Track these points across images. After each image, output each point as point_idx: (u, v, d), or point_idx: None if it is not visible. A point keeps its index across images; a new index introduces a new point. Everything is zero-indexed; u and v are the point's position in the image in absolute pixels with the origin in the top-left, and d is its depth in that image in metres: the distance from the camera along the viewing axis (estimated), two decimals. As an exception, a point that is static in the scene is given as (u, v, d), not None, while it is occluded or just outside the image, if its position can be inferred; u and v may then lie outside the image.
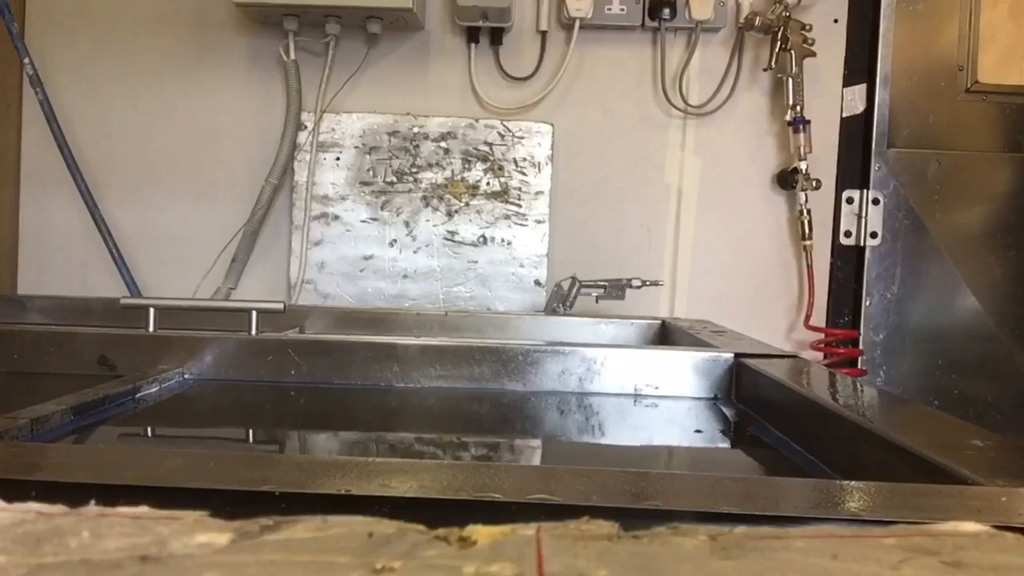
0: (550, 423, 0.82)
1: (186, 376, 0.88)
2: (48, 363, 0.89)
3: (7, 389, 0.86)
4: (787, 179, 1.60)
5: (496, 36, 1.61)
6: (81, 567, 0.29)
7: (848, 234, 1.63)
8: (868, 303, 1.62)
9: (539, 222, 1.58)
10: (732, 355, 0.88)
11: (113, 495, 0.36)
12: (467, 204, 1.58)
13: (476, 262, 1.58)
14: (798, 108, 1.55)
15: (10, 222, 1.64)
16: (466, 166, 1.58)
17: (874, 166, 1.61)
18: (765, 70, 1.59)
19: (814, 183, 1.56)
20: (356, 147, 1.59)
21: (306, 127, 1.59)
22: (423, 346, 0.90)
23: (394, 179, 1.58)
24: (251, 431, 0.80)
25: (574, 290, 1.41)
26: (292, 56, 1.57)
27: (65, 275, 1.64)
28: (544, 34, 1.61)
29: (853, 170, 1.63)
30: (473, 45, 1.61)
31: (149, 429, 0.77)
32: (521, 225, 1.58)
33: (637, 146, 1.64)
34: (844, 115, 1.63)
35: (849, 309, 1.64)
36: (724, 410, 0.85)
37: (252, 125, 1.64)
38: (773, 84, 1.62)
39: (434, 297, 1.58)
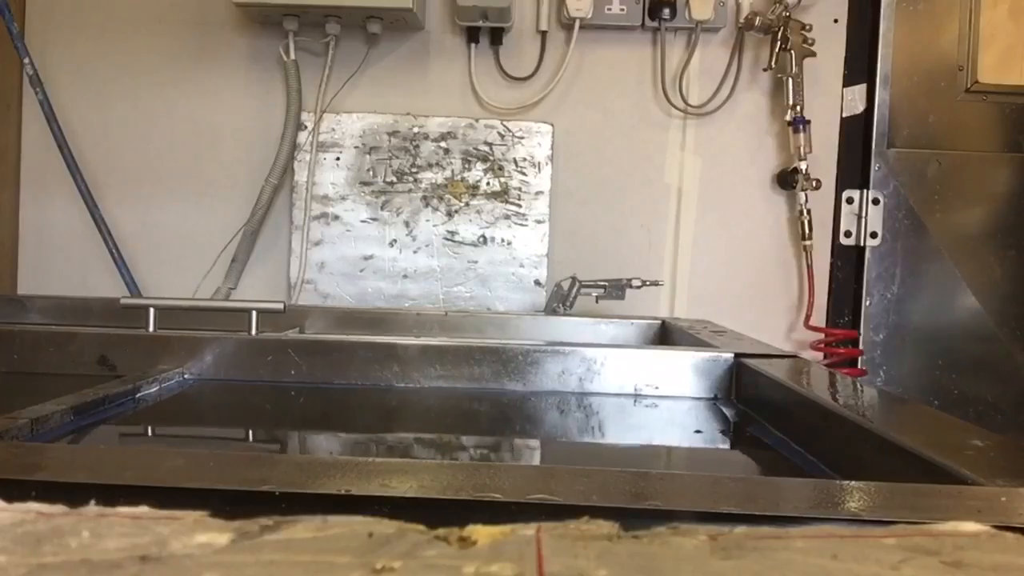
0: (550, 423, 0.82)
1: (186, 376, 0.88)
2: (48, 363, 0.89)
3: (7, 389, 0.86)
4: (787, 179, 1.60)
5: (496, 36, 1.61)
6: (81, 567, 0.29)
7: (848, 234, 1.63)
8: (868, 303, 1.62)
9: (539, 222, 1.58)
10: (732, 355, 0.88)
11: (113, 495, 0.36)
12: (467, 204, 1.58)
13: (476, 262, 1.58)
14: (798, 108, 1.55)
15: (10, 222, 1.64)
16: (466, 166, 1.58)
17: (874, 166, 1.61)
18: (765, 70, 1.59)
19: (814, 183, 1.56)
20: (356, 147, 1.59)
21: (306, 127, 1.59)
22: (423, 346, 0.90)
23: (394, 179, 1.58)
24: (251, 431, 0.80)
25: (574, 290, 1.41)
26: (292, 56, 1.57)
27: (65, 275, 1.64)
28: (544, 34, 1.61)
29: (853, 170, 1.63)
30: (473, 45, 1.61)
31: (149, 429, 0.77)
32: (521, 225, 1.58)
33: (637, 146, 1.64)
34: (844, 115, 1.63)
35: (849, 309, 1.64)
36: (724, 410, 0.84)
37: (252, 125, 1.64)
38: (773, 84, 1.62)
39: (434, 297, 1.58)
